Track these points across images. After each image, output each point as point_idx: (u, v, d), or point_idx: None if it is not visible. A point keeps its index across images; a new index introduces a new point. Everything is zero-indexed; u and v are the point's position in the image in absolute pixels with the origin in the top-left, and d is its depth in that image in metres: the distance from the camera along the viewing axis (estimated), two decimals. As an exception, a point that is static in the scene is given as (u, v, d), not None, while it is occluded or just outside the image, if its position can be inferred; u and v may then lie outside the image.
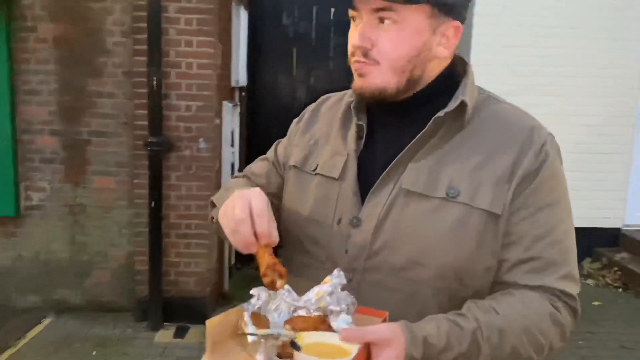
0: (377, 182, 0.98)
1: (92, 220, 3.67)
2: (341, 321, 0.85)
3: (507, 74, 4.82)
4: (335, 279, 0.88)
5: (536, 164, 0.94)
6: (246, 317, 0.85)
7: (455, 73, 1.01)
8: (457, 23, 0.96)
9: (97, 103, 3.57)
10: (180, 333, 3.50)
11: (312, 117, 1.16)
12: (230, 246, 4.24)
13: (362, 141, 1.03)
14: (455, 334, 0.87)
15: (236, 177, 1.26)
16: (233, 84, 4.21)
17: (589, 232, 5.07)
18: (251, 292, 0.90)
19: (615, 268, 4.77)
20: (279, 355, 0.82)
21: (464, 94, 0.96)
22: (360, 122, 1.03)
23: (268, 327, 0.86)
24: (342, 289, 0.88)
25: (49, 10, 3.48)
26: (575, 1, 4.81)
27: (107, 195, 3.65)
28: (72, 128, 3.58)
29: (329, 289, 0.87)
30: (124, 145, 3.59)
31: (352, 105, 1.04)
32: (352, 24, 0.98)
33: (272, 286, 0.89)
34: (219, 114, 3.74)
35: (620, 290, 4.52)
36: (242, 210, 0.90)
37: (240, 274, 4.58)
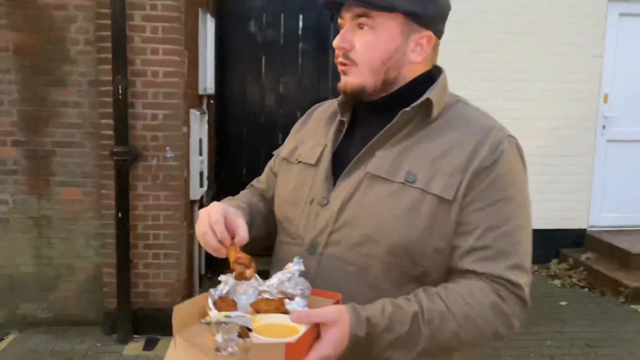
0: (348, 167, 1.09)
1: (57, 232, 3.59)
2: (295, 304, 0.96)
3: (473, 79, 4.90)
4: (296, 265, 1.00)
5: (490, 160, 1.03)
6: (210, 302, 0.94)
7: (433, 80, 1.11)
8: (430, 33, 1.07)
9: (61, 113, 3.50)
10: (150, 345, 3.45)
11: (306, 119, 1.30)
12: (200, 255, 4.20)
13: (342, 135, 1.16)
14: (398, 315, 0.95)
15: (247, 187, 1.38)
16: (201, 91, 4.18)
17: (556, 233, 5.19)
18: (219, 278, 1.00)
19: (581, 268, 4.88)
20: (239, 335, 0.88)
21: (431, 94, 1.07)
22: (342, 118, 1.16)
23: (236, 309, 0.95)
24: (300, 275, 0.99)
25: (9, 18, 3.41)
26: (538, 9, 4.92)
27: (72, 207, 3.57)
28: (36, 138, 3.50)
29: (288, 275, 0.99)
30: (90, 156, 3.53)
31: (338, 103, 1.17)
32: (341, 30, 1.10)
33: (242, 277, 0.98)
34: (186, 122, 3.70)
35: (586, 289, 4.62)
36: (203, 225, 1.04)
37: (211, 283, 4.53)
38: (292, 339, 0.86)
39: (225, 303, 0.96)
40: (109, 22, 3.31)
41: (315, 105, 1.33)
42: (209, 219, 1.03)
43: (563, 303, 4.33)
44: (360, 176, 1.07)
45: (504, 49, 4.92)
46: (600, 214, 5.30)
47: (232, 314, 0.90)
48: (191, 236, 3.97)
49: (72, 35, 3.44)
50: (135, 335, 3.51)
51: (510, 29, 4.91)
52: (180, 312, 0.94)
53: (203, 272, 4.41)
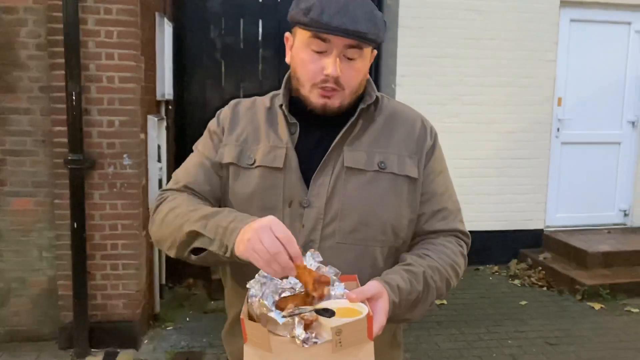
0: (319, 166, 1.18)
1: (8, 244, 3.44)
2: (338, 288, 1.02)
3: (431, 84, 4.97)
4: (313, 259, 1.03)
5: (432, 142, 1.27)
6: (269, 304, 0.96)
7: None
8: (375, 52, 1.24)
9: (12, 120, 3.36)
10: (108, 359, 3.34)
11: (234, 119, 1.29)
12: (160, 265, 4.10)
13: (296, 136, 1.21)
14: (414, 279, 1.12)
15: (166, 190, 1.26)
16: (159, 97, 4.09)
17: (514, 234, 5.30)
18: (247, 285, 1.01)
19: (540, 268, 4.99)
20: (304, 327, 0.94)
21: (375, 91, 1.25)
22: (293, 121, 1.22)
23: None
24: (321, 264, 1.03)
25: (-46, 22, 3.26)
26: (492, 15, 5.03)
27: (25, 218, 3.43)
28: (-16, 147, 3.36)
29: (313, 268, 1.01)
30: (42, 164, 3.40)
31: (283, 108, 1.23)
32: (314, 55, 1.15)
33: (323, 295, 0.98)
34: (144, 128, 3.61)
35: (545, 288, 4.73)
36: (273, 243, 0.95)
37: (172, 292, 4.44)
38: (366, 313, 0.95)
39: (294, 297, 0.98)
40: (61, 26, 3.20)
41: (232, 105, 1.32)
42: (278, 236, 0.95)
43: (523, 302, 4.42)
44: (336, 172, 1.18)
45: (460, 54, 5.00)
46: (555, 215, 5.45)
47: (307, 308, 0.94)
48: (150, 245, 3.88)
49: (22, 40, 3.32)
50: (93, 349, 3.39)
51: (466, 35, 5.00)
52: (250, 329, 0.95)
53: (163, 281, 4.30)
